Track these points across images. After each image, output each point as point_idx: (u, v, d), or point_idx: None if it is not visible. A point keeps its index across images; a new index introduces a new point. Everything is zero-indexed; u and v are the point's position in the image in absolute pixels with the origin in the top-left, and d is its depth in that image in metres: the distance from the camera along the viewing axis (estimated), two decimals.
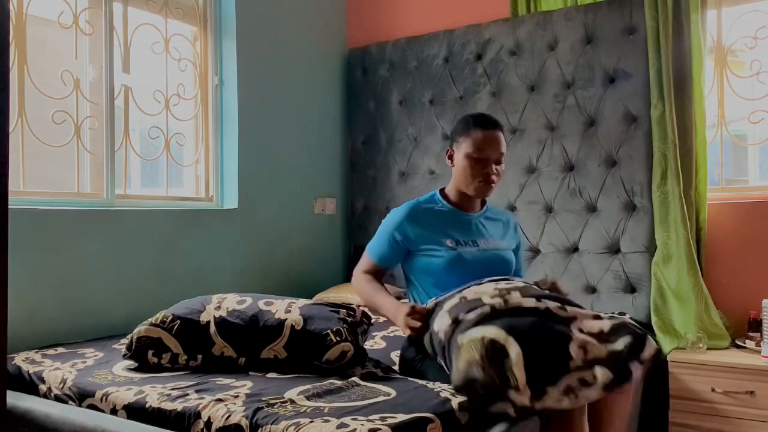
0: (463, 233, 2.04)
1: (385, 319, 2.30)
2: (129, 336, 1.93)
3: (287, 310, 1.92)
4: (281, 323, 1.88)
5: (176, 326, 1.90)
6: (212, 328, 1.89)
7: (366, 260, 2.14)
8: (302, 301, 2.00)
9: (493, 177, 2.00)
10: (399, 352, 2.12)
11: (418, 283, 2.08)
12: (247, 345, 1.88)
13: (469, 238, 2.03)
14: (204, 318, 1.92)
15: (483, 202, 2.17)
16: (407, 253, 2.07)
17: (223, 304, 1.97)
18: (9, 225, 1.34)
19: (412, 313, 1.87)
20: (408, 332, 1.88)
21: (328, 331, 1.84)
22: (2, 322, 1.35)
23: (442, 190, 2.15)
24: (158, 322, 1.91)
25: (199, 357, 1.89)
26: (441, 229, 2.03)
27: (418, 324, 1.84)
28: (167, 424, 1.54)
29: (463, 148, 2.02)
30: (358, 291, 2.15)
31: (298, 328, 1.86)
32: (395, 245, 2.06)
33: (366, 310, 2.13)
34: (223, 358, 1.88)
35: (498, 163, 2.02)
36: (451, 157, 2.09)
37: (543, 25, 3.08)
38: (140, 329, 1.90)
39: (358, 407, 1.48)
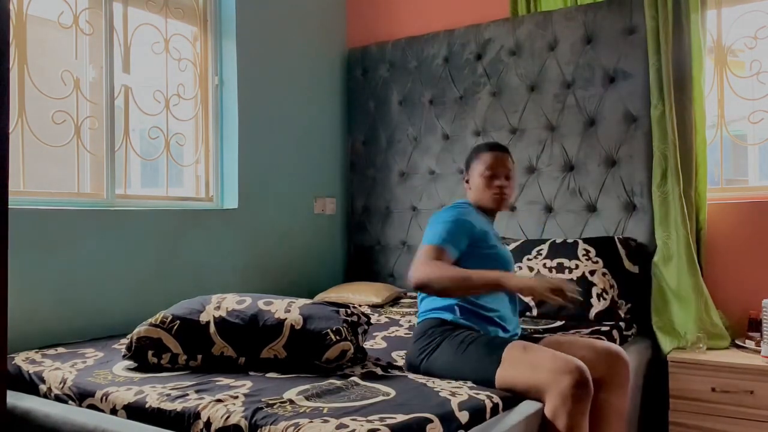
0: (495, 234, 2.18)
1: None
2: (129, 336, 1.93)
3: (287, 309, 1.93)
4: (281, 323, 1.88)
5: (176, 326, 1.90)
6: (212, 328, 1.89)
7: (431, 250, 1.91)
8: (302, 301, 2.00)
9: (506, 189, 2.16)
10: (399, 352, 2.13)
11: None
12: (246, 345, 1.88)
13: (499, 240, 2.18)
14: (204, 318, 1.92)
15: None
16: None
17: (222, 304, 1.97)
18: (9, 225, 1.34)
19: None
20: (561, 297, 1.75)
21: (328, 330, 1.84)
22: (2, 322, 1.36)
23: (468, 203, 2.23)
24: (158, 322, 1.91)
25: (199, 357, 1.89)
26: (486, 230, 2.11)
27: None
28: (167, 424, 1.54)
29: (477, 170, 2.18)
30: (437, 276, 1.83)
31: (298, 327, 1.86)
32: (464, 232, 2.00)
33: (365, 310, 2.13)
34: (222, 358, 1.88)
35: (507, 178, 2.17)
36: (467, 182, 2.23)
37: (543, 25, 3.08)
38: (140, 329, 1.91)
39: (358, 407, 1.48)
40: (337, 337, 1.83)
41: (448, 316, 1.98)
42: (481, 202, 2.18)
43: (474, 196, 2.19)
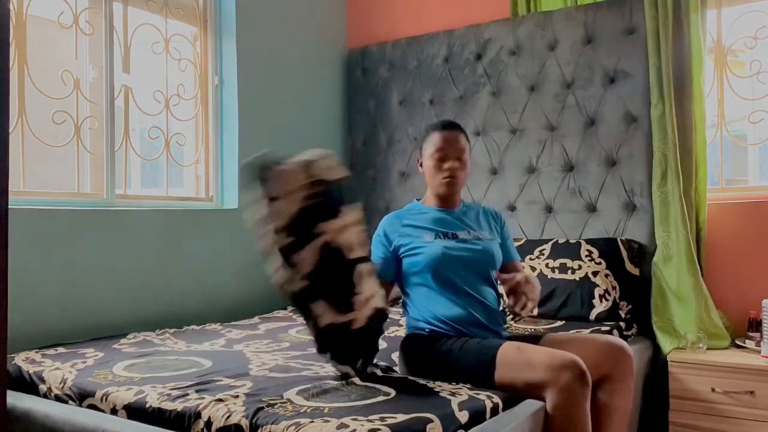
0: (442, 227, 2.09)
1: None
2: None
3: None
4: None
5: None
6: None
7: None
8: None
9: (457, 172, 2.08)
10: (398, 352, 2.13)
11: (407, 287, 2.09)
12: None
13: (449, 231, 2.08)
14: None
15: (458, 200, 2.19)
16: (398, 260, 2.08)
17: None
18: (9, 225, 1.34)
19: None
20: None
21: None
22: (2, 322, 1.36)
23: (419, 199, 2.22)
24: None
25: None
26: (420, 228, 2.08)
27: None
28: (167, 424, 1.54)
29: (427, 151, 2.12)
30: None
31: None
32: (385, 250, 2.09)
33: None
34: None
35: (458, 159, 2.08)
36: (421, 165, 2.18)
37: (543, 25, 3.08)
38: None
39: (358, 407, 1.48)
40: None
41: (424, 332, 1.99)
42: (433, 187, 2.13)
43: (427, 180, 2.15)
